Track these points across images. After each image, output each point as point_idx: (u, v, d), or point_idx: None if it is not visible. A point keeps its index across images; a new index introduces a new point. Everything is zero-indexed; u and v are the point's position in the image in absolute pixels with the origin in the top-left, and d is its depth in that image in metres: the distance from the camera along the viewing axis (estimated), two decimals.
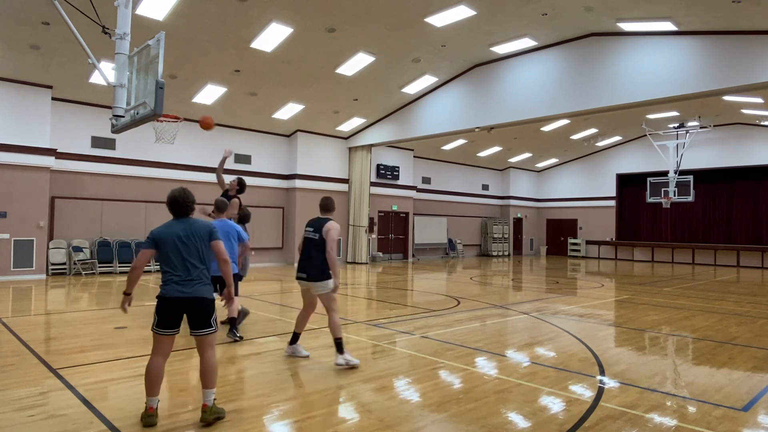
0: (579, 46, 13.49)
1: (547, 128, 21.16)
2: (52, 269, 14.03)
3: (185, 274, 3.90)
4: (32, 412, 4.00)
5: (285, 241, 19.24)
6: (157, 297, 3.94)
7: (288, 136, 19.53)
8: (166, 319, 3.86)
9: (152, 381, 3.82)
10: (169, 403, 4.25)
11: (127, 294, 4.05)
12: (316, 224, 5.44)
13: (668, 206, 20.83)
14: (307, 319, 5.76)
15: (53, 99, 13.95)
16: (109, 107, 6.49)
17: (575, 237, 28.26)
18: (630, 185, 26.20)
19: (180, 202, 4.02)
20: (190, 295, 3.86)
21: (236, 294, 6.83)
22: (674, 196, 19.94)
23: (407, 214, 23.08)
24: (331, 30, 12.31)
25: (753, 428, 3.95)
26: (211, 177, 17.37)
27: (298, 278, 5.45)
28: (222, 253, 4.04)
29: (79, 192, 14.72)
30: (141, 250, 4.01)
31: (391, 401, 4.43)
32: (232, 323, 6.69)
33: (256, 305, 9.50)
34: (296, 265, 5.42)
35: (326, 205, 5.61)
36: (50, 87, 13.63)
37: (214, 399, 3.88)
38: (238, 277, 6.92)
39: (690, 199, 20.04)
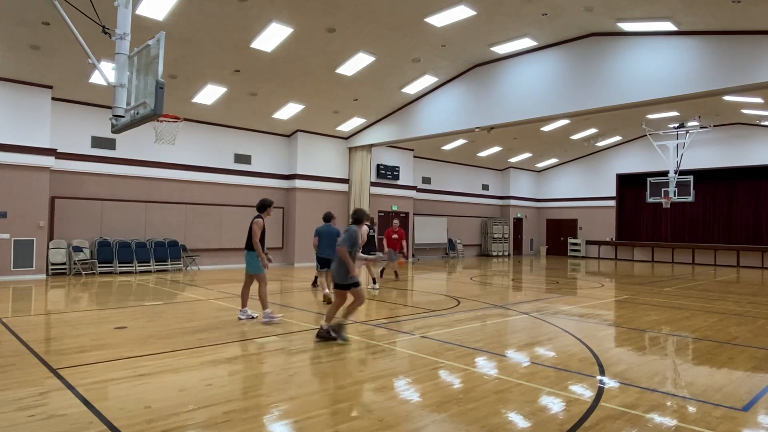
0: (579, 46, 13.49)
1: (547, 128, 21.16)
2: (52, 269, 14.03)
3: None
4: (32, 412, 4.00)
5: (285, 242, 19.24)
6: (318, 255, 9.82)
7: (288, 136, 19.53)
8: (320, 263, 9.50)
9: (323, 286, 9.56)
10: (170, 402, 4.25)
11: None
12: None
13: (668, 206, 20.82)
14: None
15: (53, 99, 13.95)
16: (109, 107, 6.49)
17: (575, 237, 28.26)
18: (630, 185, 26.20)
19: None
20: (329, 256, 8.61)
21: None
22: (674, 196, 19.92)
23: (407, 214, 23.08)
24: (331, 30, 12.31)
25: (753, 428, 3.94)
26: (210, 177, 17.43)
27: None
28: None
29: (79, 192, 14.72)
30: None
31: (391, 401, 4.43)
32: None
33: (256, 305, 9.50)
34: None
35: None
36: (50, 87, 13.63)
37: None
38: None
39: (690, 199, 20.03)
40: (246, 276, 8.04)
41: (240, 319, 7.96)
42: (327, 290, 9.57)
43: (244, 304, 8.12)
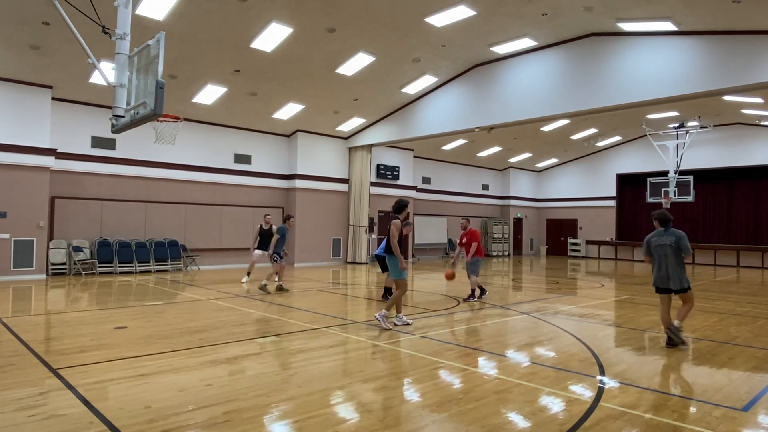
0: (579, 46, 13.48)
1: (547, 128, 21.15)
2: (52, 269, 14.03)
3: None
4: (32, 412, 4.00)
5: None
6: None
7: (288, 136, 19.53)
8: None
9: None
10: (170, 402, 4.26)
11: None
12: None
13: (668, 206, 20.79)
14: None
15: (53, 99, 13.95)
16: (109, 107, 6.49)
17: (575, 237, 28.25)
18: (630, 185, 26.19)
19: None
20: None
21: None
22: (674, 196, 19.92)
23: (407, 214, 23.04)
24: (331, 30, 12.31)
25: (753, 428, 3.95)
26: (210, 177, 17.41)
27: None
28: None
29: (79, 192, 14.72)
30: None
31: (391, 401, 4.43)
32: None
33: (255, 305, 9.51)
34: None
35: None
36: (50, 87, 13.63)
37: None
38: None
39: (690, 199, 20.02)
40: (394, 282, 7.62)
41: (396, 324, 7.48)
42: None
43: (398, 310, 7.66)
